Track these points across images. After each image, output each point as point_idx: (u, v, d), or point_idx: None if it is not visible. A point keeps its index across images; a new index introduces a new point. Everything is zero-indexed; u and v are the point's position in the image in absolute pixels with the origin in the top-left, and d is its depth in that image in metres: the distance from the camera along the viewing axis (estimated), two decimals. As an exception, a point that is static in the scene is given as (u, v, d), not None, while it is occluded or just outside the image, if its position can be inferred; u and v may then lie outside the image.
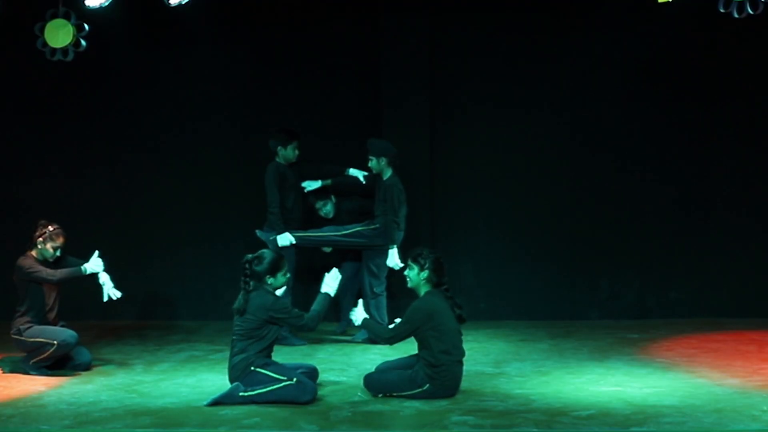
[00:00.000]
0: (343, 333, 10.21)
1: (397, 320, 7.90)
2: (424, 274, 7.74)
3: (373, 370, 8.02)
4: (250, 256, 7.77)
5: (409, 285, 7.87)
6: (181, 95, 11.05)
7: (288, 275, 7.91)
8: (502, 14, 10.80)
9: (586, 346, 9.51)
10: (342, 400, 7.64)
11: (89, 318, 10.60)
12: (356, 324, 8.12)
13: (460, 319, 7.76)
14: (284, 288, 7.99)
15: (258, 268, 7.69)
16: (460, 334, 7.77)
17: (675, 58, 10.75)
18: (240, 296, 7.70)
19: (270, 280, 7.72)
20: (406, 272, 7.87)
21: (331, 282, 7.87)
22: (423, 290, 7.78)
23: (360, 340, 9.81)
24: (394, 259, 9.67)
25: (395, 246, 9.68)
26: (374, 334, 8.23)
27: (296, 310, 7.76)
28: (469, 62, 10.90)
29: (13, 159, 11.17)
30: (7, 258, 9.10)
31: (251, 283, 7.68)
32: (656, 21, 10.08)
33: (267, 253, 7.82)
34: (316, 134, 10.71)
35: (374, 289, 9.84)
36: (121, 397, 7.83)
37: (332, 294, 7.86)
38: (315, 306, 7.79)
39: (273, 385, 7.53)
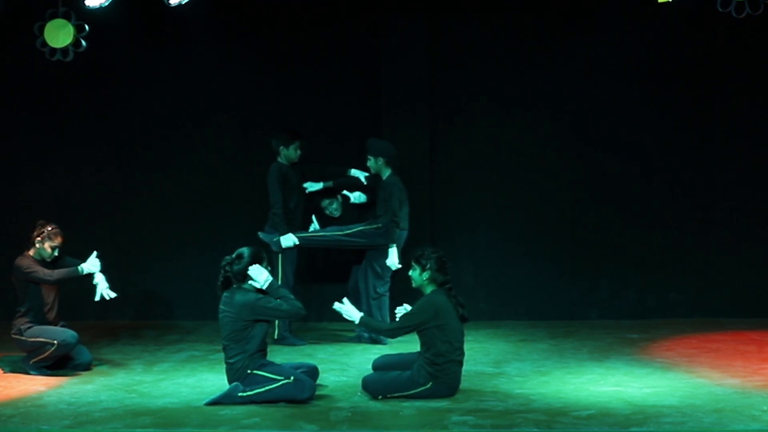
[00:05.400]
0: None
1: (400, 309, 7.91)
2: (427, 274, 7.73)
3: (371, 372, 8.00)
4: (229, 257, 7.73)
5: (414, 285, 7.86)
6: (181, 95, 11.05)
7: (269, 267, 7.79)
8: (502, 15, 10.80)
9: (586, 346, 9.51)
10: (342, 400, 7.63)
11: (89, 318, 10.61)
12: (349, 318, 7.85)
13: (463, 319, 7.75)
14: (268, 278, 7.71)
15: (238, 267, 7.65)
16: (463, 335, 7.77)
17: (675, 58, 10.75)
18: (222, 300, 7.69)
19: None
20: (410, 272, 7.86)
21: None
22: (428, 290, 7.78)
23: (362, 339, 9.80)
24: (392, 259, 9.65)
25: (395, 246, 9.67)
26: (373, 329, 8.08)
27: (278, 301, 7.57)
28: (469, 62, 10.90)
29: (13, 159, 11.17)
30: (7, 258, 9.09)
31: (234, 284, 7.67)
32: (656, 21, 10.09)
33: (246, 250, 7.73)
34: (317, 135, 10.70)
35: (377, 290, 9.81)
36: (121, 397, 7.83)
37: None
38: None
39: (271, 385, 7.52)
